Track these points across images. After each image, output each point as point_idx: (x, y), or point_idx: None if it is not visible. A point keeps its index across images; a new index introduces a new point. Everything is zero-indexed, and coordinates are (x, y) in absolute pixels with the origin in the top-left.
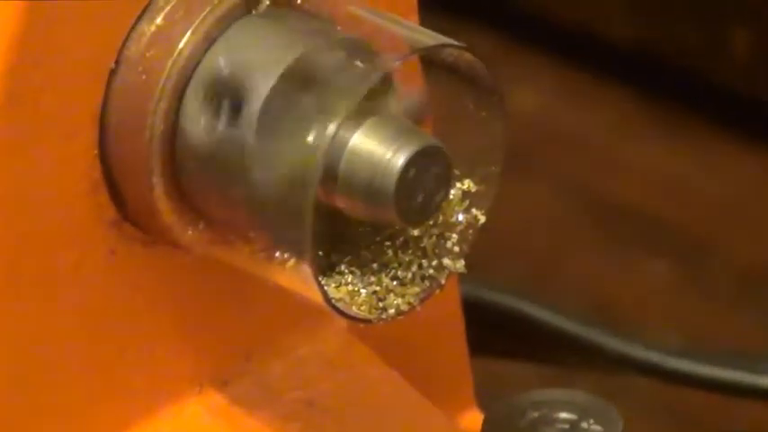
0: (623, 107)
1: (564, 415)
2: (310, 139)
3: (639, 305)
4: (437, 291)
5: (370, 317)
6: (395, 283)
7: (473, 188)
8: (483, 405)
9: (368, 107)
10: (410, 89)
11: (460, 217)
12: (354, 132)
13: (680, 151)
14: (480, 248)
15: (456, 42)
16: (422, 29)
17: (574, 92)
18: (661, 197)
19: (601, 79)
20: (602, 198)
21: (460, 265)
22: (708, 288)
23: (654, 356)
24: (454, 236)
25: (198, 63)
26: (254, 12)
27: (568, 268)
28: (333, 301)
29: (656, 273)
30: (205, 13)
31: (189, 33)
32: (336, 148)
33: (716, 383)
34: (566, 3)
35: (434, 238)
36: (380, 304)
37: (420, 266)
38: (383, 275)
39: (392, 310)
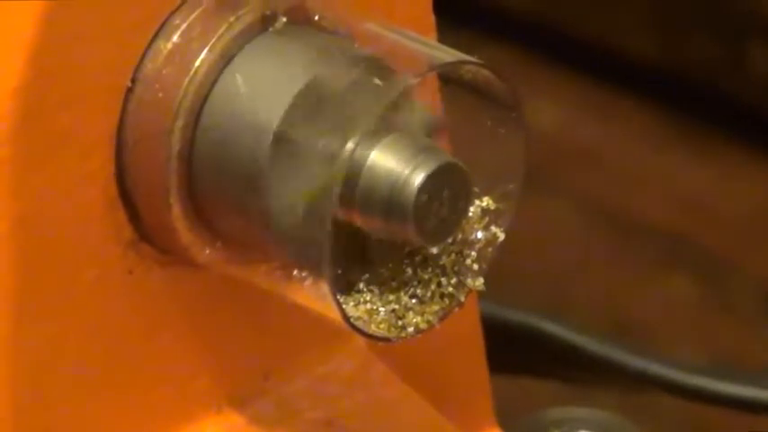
0: (642, 122)
1: None
2: (328, 156)
3: (660, 322)
4: (456, 309)
5: (390, 335)
6: (414, 301)
7: (492, 205)
8: (503, 424)
9: (386, 124)
10: (428, 106)
11: (480, 234)
12: (373, 150)
13: (700, 167)
14: (499, 266)
15: (474, 59)
16: (440, 45)
17: (593, 107)
18: (681, 213)
19: (620, 95)
20: (621, 214)
21: (480, 282)
22: (729, 305)
23: (675, 374)
24: (473, 253)
25: (215, 81)
26: (270, 29)
27: (588, 285)
28: (351, 319)
29: (677, 289)
30: (222, 30)
31: (205, 51)
32: (355, 165)
33: (738, 401)
34: (584, 18)
35: (453, 255)
36: (399, 322)
37: (439, 284)
38: (402, 293)
39: (411, 329)
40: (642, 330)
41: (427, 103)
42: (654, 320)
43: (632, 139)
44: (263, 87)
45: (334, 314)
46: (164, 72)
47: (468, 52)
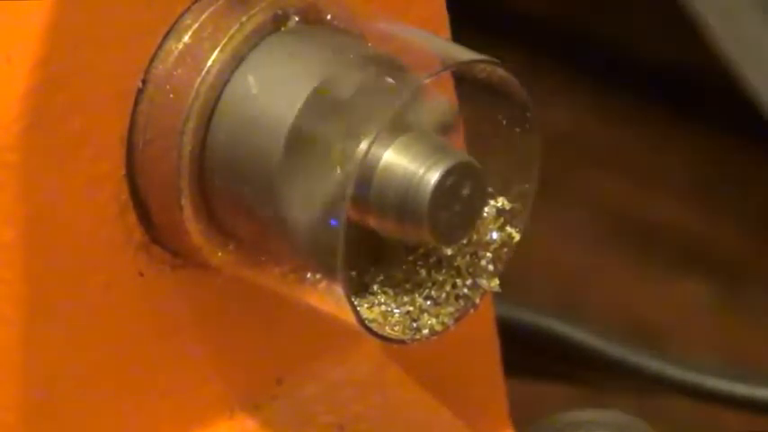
0: (656, 125)
1: None
2: (342, 156)
3: (676, 325)
4: (471, 310)
5: (404, 337)
6: (428, 302)
7: (507, 206)
8: (519, 426)
9: (400, 124)
10: (441, 104)
11: (495, 235)
12: (386, 149)
13: (716, 169)
14: (514, 268)
15: (488, 58)
16: (453, 45)
17: (607, 110)
18: (697, 216)
19: (635, 97)
20: (636, 217)
21: (495, 284)
22: (745, 306)
23: (691, 376)
24: (488, 254)
25: (226, 81)
26: (282, 29)
27: (604, 288)
28: (366, 321)
29: (693, 292)
30: (233, 30)
31: (217, 51)
32: (368, 165)
33: (754, 403)
34: (600, 20)
35: (468, 256)
36: (414, 324)
37: (454, 286)
38: (417, 295)
39: (426, 331)
40: (658, 333)
41: (441, 102)
42: (669, 323)
43: (647, 142)
44: (276, 88)
45: (349, 316)
46: (175, 73)
47: (482, 51)
